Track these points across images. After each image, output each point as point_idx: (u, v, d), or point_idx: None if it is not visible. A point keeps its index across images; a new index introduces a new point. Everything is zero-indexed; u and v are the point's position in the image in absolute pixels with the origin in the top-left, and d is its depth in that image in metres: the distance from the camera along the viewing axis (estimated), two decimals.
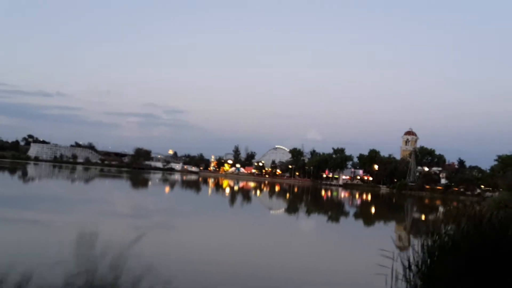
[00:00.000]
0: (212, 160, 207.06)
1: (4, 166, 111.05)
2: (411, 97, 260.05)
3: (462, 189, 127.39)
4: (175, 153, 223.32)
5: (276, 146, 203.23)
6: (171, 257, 15.35)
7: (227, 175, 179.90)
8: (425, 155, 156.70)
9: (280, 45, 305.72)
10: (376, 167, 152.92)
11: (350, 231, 35.73)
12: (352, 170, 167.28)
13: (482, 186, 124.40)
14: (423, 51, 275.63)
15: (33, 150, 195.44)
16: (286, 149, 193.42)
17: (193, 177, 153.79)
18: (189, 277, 12.24)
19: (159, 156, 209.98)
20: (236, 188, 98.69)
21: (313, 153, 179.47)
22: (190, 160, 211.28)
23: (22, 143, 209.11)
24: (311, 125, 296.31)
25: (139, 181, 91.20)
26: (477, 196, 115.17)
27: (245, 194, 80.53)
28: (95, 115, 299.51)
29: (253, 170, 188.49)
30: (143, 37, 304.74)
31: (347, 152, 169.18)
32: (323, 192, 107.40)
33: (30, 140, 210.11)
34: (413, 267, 5.85)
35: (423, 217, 57.73)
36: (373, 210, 66.51)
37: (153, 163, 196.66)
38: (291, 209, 54.57)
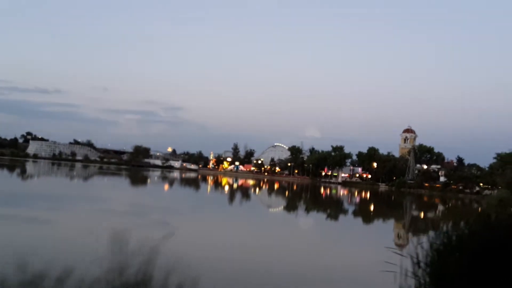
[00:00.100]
0: (211, 157, 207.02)
1: (4, 163, 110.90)
2: (409, 95, 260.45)
3: (461, 187, 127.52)
4: (174, 151, 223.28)
5: (275, 144, 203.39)
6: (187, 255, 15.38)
7: (226, 173, 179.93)
8: (424, 153, 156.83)
9: (280, 44, 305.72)
10: (375, 165, 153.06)
11: (351, 228, 35.87)
12: (351, 168, 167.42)
13: (481, 184, 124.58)
14: (422, 50, 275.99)
15: (32, 148, 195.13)
16: (285, 146, 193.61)
17: (192, 174, 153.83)
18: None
19: (158, 154, 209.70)
20: (235, 186, 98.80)
21: (312, 150, 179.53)
22: (189, 157, 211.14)
23: (20, 141, 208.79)
24: (310, 123, 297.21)
25: (139, 179, 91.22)
26: (476, 194, 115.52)
27: (245, 192, 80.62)
28: (93, 112, 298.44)
29: (252, 168, 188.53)
30: (142, 35, 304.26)
31: (346, 150, 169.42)
32: (322, 190, 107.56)
33: (29, 137, 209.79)
34: (421, 264, 5.89)
35: (421, 215, 57.95)
36: (372, 208, 66.68)
37: (152, 161, 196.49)
38: (292, 207, 54.69)
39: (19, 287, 3.47)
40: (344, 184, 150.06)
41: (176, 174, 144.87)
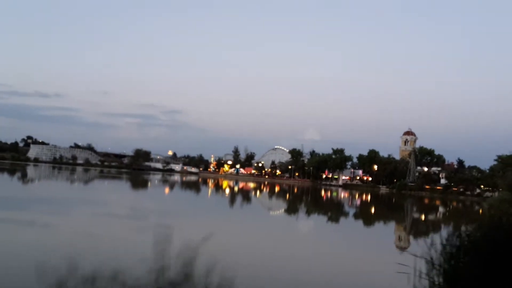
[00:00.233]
0: (212, 160, 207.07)
1: (5, 167, 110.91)
2: (410, 97, 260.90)
3: (461, 189, 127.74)
4: (174, 154, 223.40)
5: (276, 147, 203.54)
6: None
7: (226, 176, 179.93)
8: (424, 155, 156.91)
9: (279, 45, 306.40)
10: (375, 167, 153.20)
11: (354, 231, 35.88)
12: (352, 170, 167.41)
13: (482, 186, 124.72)
14: (422, 52, 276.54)
15: (33, 151, 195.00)
16: (285, 149, 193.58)
17: (193, 178, 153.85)
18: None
19: (158, 157, 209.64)
20: (236, 189, 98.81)
21: (313, 153, 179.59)
22: (189, 161, 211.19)
23: (21, 144, 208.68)
24: (311, 125, 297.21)
25: (140, 183, 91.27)
26: (476, 196, 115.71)
27: (246, 195, 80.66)
28: (93, 116, 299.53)
29: (253, 171, 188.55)
30: (142, 38, 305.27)
31: (347, 153, 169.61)
32: (323, 193, 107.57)
33: (29, 141, 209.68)
34: (435, 265, 6.01)
35: (423, 217, 58.02)
36: (373, 210, 66.73)
37: (152, 164, 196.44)
38: (293, 209, 54.74)
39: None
40: (345, 186, 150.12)
41: (177, 177, 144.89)
